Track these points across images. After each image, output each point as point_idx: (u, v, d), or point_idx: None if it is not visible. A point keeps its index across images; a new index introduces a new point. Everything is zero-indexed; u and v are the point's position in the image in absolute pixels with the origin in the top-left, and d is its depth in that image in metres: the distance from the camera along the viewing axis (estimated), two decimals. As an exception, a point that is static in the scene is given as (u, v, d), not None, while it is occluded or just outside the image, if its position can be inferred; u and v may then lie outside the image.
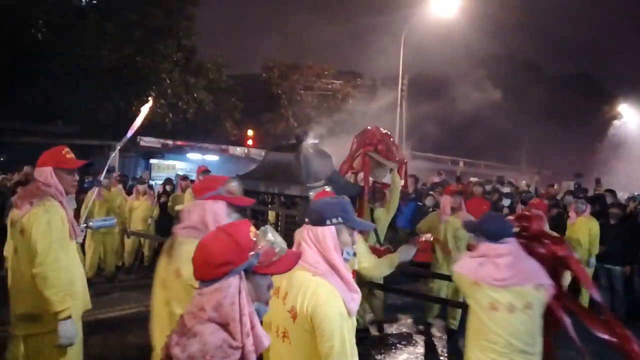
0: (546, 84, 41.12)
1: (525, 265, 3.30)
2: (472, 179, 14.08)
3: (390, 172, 6.32)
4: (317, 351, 2.42)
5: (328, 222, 2.54)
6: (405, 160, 6.54)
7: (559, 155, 34.08)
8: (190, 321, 1.68)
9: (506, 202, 11.09)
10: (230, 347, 1.63)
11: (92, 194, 6.17)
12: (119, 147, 3.98)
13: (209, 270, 1.70)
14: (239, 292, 1.68)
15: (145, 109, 4.23)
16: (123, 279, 9.65)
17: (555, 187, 12.92)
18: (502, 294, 3.22)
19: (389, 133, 6.45)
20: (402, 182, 6.44)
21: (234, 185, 3.17)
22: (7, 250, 3.65)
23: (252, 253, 1.74)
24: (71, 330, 3.40)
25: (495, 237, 3.34)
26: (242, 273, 1.73)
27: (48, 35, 19.62)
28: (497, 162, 34.76)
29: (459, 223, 6.47)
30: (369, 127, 6.40)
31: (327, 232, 2.53)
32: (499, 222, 3.50)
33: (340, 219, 2.57)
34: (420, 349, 6.70)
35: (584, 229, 8.16)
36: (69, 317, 3.39)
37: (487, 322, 3.25)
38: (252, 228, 1.82)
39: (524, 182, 15.16)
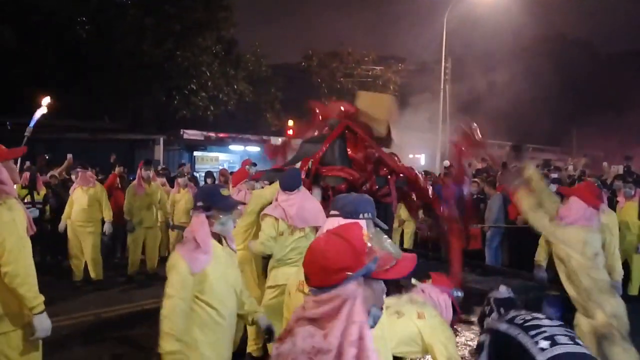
0: (598, 62, 39.59)
1: None
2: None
3: None
4: None
5: (361, 216, 2.61)
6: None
7: (611, 136, 32.82)
8: (295, 322, 1.65)
9: (552, 187, 10.69)
10: (319, 353, 1.54)
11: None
12: (27, 135, 4.35)
13: (326, 277, 1.61)
14: (355, 299, 1.59)
15: (40, 111, 4.57)
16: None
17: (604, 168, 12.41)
18: None
19: None
20: None
21: None
22: None
23: (370, 258, 1.63)
24: (46, 322, 3.42)
25: None
26: (361, 279, 1.63)
27: (91, 33, 20.08)
28: (546, 145, 33.69)
29: None
30: None
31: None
32: None
33: (369, 214, 2.65)
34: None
35: (633, 214, 7.89)
36: (44, 310, 3.40)
37: None
38: (365, 231, 1.72)
39: (570, 166, 14.66)
